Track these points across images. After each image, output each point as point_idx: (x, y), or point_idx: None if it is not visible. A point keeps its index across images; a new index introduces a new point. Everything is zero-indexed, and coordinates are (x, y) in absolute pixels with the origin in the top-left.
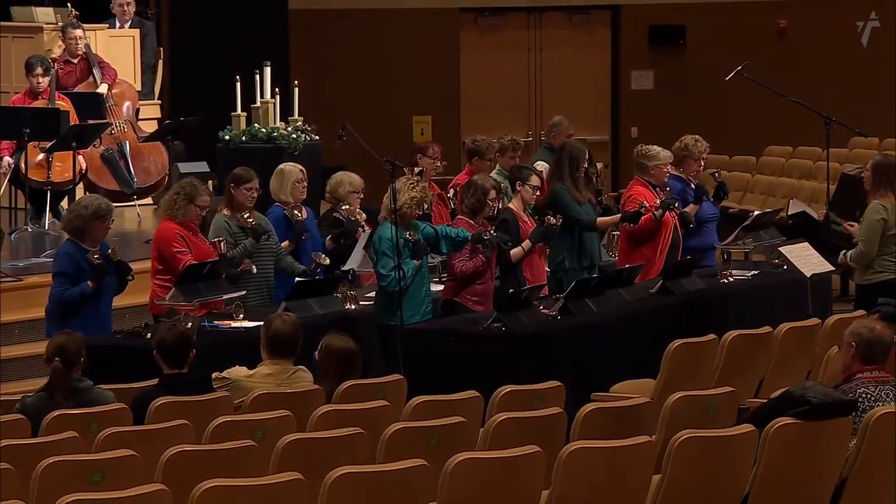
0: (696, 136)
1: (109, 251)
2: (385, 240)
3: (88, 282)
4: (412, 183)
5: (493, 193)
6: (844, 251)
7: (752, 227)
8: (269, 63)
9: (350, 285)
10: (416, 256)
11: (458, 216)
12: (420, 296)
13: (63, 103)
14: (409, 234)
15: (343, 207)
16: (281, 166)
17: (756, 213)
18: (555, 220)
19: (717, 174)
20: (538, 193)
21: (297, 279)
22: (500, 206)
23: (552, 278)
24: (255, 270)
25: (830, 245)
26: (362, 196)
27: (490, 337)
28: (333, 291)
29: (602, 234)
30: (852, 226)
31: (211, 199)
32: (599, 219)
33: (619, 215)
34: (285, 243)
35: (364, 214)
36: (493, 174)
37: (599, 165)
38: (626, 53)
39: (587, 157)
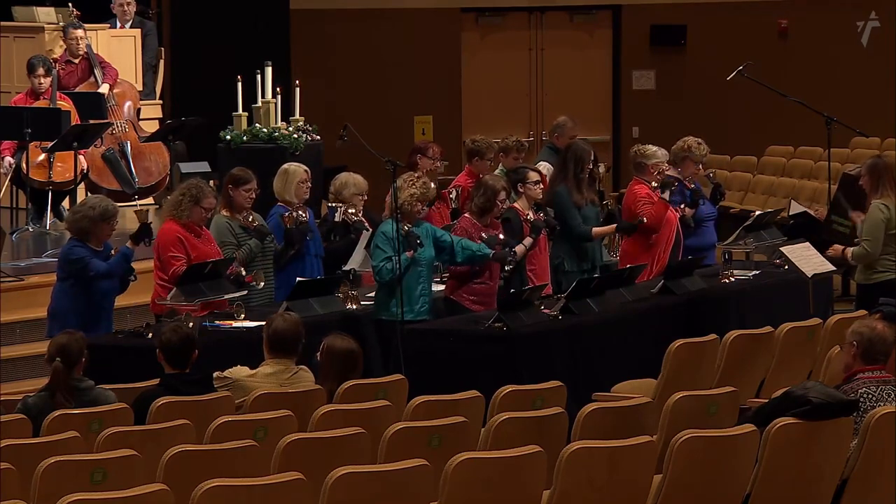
0: (699, 139)
1: (112, 252)
2: (381, 233)
3: (128, 243)
4: (412, 180)
5: (502, 195)
6: (845, 248)
7: (753, 227)
8: (270, 63)
9: (351, 285)
10: (408, 247)
11: (464, 215)
12: (415, 293)
13: (64, 103)
14: (404, 227)
15: (338, 205)
16: (285, 166)
17: (757, 213)
18: (541, 216)
19: (711, 175)
20: (541, 187)
21: (298, 279)
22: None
23: (552, 279)
24: (261, 286)
25: (831, 245)
26: (366, 198)
27: (491, 337)
28: (334, 291)
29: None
30: (860, 216)
31: (216, 201)
32: (595, 229)
33: (615, 225)
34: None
35: (361, 215)
36: (496, 174)
37: (602, 167)
38: (628, 53)
39: (592, 157)
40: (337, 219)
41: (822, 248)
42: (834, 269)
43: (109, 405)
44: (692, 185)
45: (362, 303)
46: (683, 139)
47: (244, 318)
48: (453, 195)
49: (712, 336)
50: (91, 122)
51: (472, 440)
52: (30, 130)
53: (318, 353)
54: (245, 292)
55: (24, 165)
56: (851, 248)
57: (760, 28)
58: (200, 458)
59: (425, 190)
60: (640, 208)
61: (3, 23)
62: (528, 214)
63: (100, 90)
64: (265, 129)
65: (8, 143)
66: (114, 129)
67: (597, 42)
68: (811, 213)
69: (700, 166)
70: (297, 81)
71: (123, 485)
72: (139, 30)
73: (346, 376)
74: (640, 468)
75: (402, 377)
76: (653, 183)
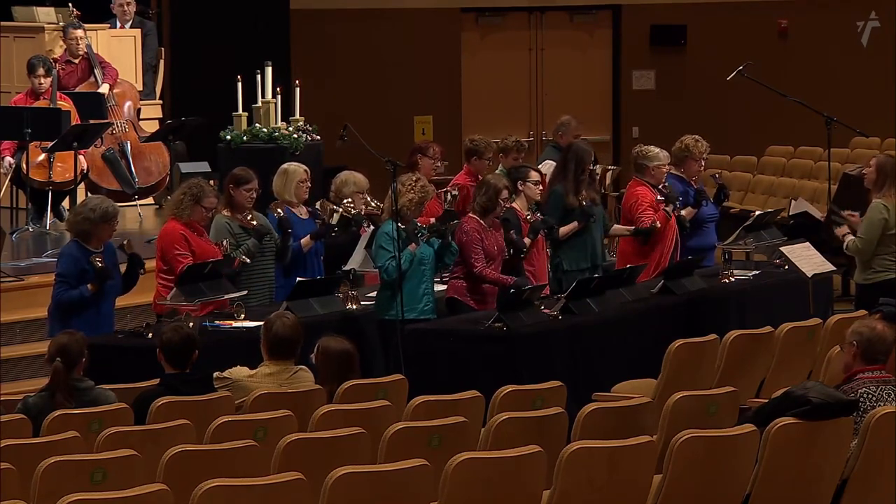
0: (696, 137)
1: (125, 242)
2: (383, 234)
3: (88, 285)
4: (410, 184)
5: (504, 193)
6: (846, 234)
7: (753, 227)
8: (270, 63)
9: (351, 285)
10: (410, 241)
11: (469, 215)
12: (418, 292)
13: (64, 103)
14: (402, 225)
15: (346, 202)
16: (285, 166)
17: (757, 213)
18: (539, 216)
19: (717, 176)
20: (540, 188)
21: (298, 279)
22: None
23: (552, 279)
24: (248, 261)
25: (831, 245)
26: (366, 196)
27: (491, 337)
28: (334, 291)
29: (605, 234)
30: (854, 216)
31: (217, 201)
32: (562, 229)
33: (633, 228)
34: (305, 239)
35: (363, 213)
36: (497, 173)
37: (608, 170)
38: (628, 53)
39: (593, 158)
40: (320, 212)
41: (822, 249)
42: (834, 269)
43: (109, 405)
44: (697, 186)
45: (362, 303)
46: (681, 139)
47: (244, 318)
48: (448, 198)
49: (712, 336)
50: (91, 122)
51: (472, 440)
52: (30, 130)
53: (313, 355)
54: (245, 292)
55: (24, 165)
56: (852, 238)
57: (760, 28)
58: (200, 458)
59: (423, 194)
60: (642, 211)
61: (3, 23)
62: (526, 215)
63: (100, 90)
64: (265, 129)
65: (8, 143)
66: (114, 129)
67: (597, 42)
68: (815, 211)
69: (703, 163)
70: (297, 81)
71: (123, 485)
72: (139, 30)
73: (345, 377)
74: (640, 468)
75: (402, 377)
76: (658, 197)
